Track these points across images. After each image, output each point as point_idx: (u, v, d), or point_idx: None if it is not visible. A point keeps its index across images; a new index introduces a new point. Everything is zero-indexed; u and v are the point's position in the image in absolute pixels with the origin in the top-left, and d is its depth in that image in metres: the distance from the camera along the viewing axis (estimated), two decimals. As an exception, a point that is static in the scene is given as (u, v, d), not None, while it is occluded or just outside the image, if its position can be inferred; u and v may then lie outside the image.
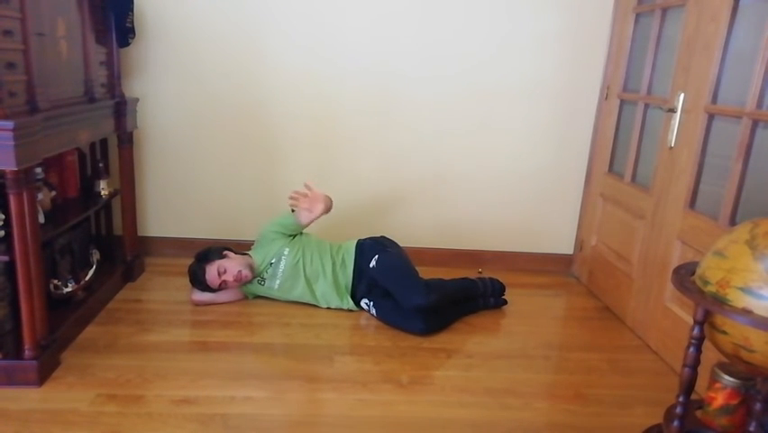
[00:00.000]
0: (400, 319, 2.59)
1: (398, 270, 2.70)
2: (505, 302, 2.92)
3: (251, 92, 3.14)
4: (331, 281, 2.76)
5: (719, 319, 1.46)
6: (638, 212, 2.77)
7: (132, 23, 2.73)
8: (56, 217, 2.40)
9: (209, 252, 2.71)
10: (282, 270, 2.75)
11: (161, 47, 3.05)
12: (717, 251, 1.50)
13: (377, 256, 2.73)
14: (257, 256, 2.78)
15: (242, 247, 2.86)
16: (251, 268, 2.71)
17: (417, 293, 2.55)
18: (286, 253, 2.75)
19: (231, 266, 2.65)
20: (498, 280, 2.94)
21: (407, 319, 2.57)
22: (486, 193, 3.36)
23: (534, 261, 3.46)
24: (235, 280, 2.66)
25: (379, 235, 2.94)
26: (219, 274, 2.64)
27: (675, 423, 1.61)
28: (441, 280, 2.80)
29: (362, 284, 2.76)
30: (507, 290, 2.92)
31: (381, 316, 2.67)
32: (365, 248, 2.81)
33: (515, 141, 3.29)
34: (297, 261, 2.74)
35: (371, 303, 2.71)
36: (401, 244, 2.90)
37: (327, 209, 2.79)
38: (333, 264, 2.78)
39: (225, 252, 2.73)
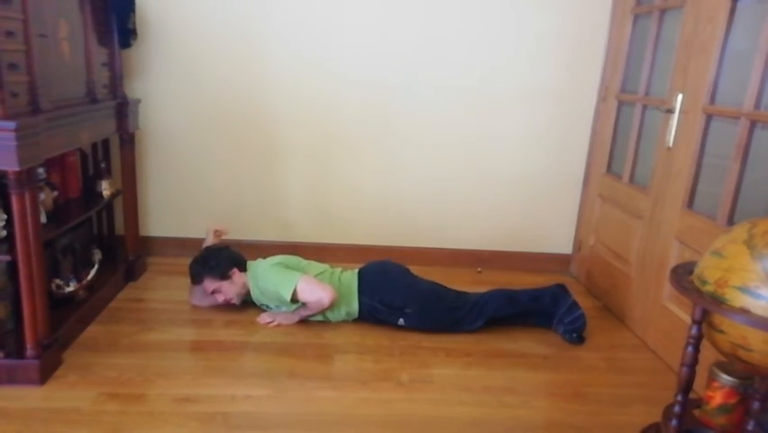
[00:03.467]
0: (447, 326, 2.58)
1: (433, 317, 2.55)
2: (579, 340, 2.57)
3: (252, 94, 3.14)
4: (334, 313, 2.63)
5: (717, 319, 1.46)
6: (636, 212, 2.78)
7: (134, 24, 2.74)
8: (58, 217, 2.40)
9: (219, 264, 2.59)
10: (281, 313, 2.64)
11: (163, 48, 3.05)
12: (715, 250, 1.51)
13: (401, 320, 2.55)
14: (254, 289, 2.64)
15: (241, 247, 2.85)
16: (243, 298, 2.68)
17: (465, 325, 2.57)
18: (284, 309, 2.65)
19: (227, 291, 2.61)
20: (578, 314, 2.59)
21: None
22: (485, 193, 3.37)
23: (533, 261, 3.46)
24: (224, 303, 2.64)
25: (377, 265, 2.69)
26: (213, 291, 2.62)
27: (673, 422, 1.62)
28: (500, 291, 2.64)
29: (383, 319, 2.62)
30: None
31: (419, 327, 2.58)
32: (371, 303, 2.58)
33: (514, 142, 3.30)
34: (297, 308, 2.61)
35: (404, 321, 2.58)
36: (401, 244, 2.88)
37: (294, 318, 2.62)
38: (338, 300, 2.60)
39: (233, 271, 2.61)
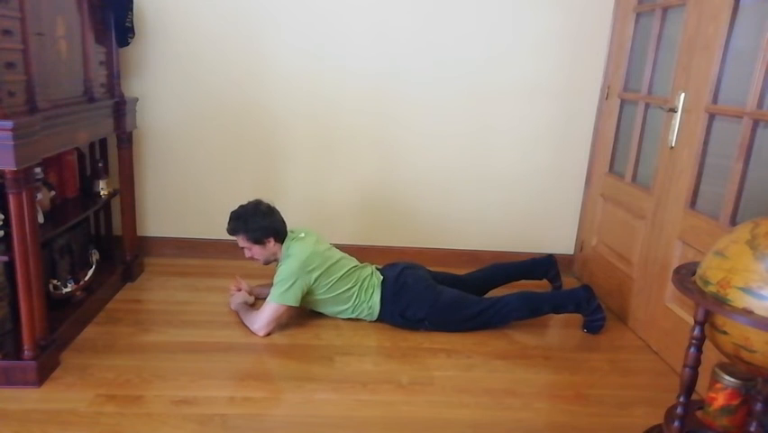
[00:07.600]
0: None
1: (453, 327, 2.61)
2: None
3: (250, 92, 3.13)
4: (356, 311, 2.66)
5: (720, 320, 1.45)
6: (639, 212, 2.77)
7: (132, 22, 2.73)
8: (55, 217, 2.39)
9: (258, 230, 2.53)
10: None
11: (161, 47, 3.04)
12: (717, 251, 1.50)
13: (426, 323, 2.60)
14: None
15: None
16: (270, 263, 2.67)
17: (483, 328, 2.64)
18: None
19: (256, 253, 2.59)
20: (598, 317, 2.69)
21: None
22: (486, 193, 3.35)
23: (535, 261, 3.45)
24: (250, 259, 2.64)
25: (400, 278, 2.65)
26: (243, 247, 2.60)
27: (676, 423, 1.61)
28: (522, 297, 2.65)
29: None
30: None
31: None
32: (392, 314, 2.63)
33: (515, 141, 3.29)
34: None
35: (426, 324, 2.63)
36: (401, 244, 2.88)
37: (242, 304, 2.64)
38: (359, 306, 2.65)
39: (269, 240, 2.56)
